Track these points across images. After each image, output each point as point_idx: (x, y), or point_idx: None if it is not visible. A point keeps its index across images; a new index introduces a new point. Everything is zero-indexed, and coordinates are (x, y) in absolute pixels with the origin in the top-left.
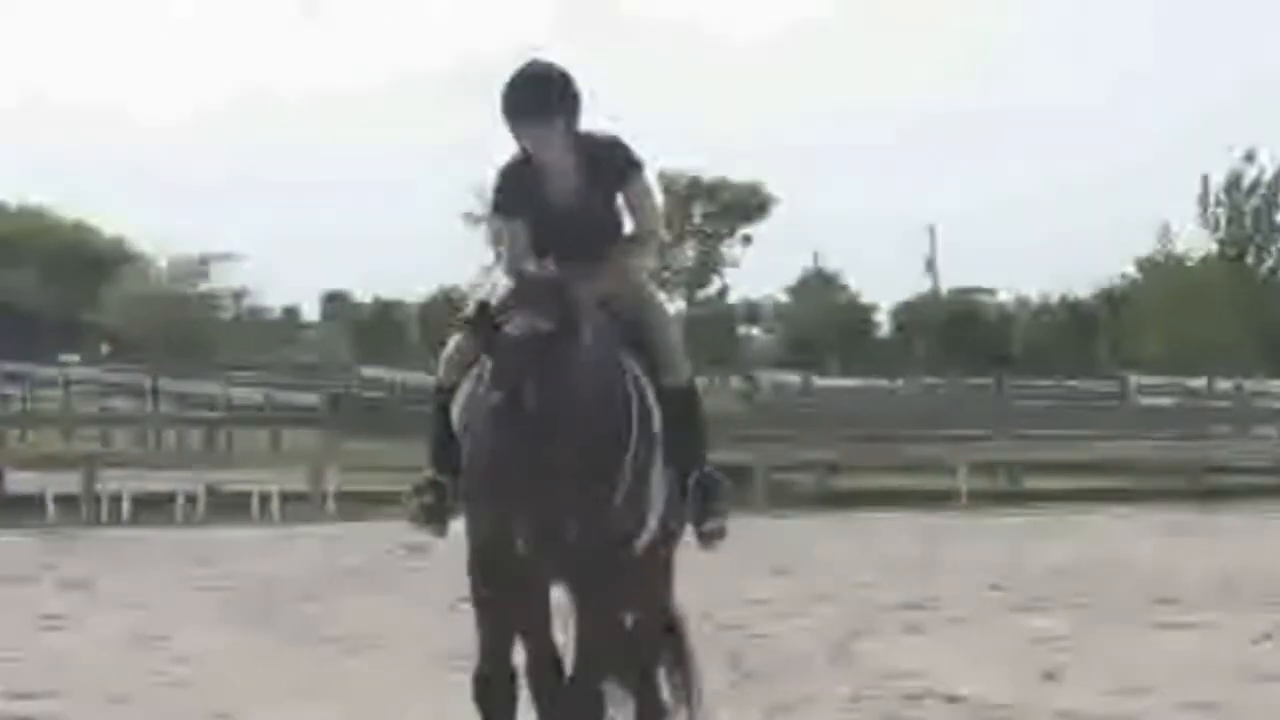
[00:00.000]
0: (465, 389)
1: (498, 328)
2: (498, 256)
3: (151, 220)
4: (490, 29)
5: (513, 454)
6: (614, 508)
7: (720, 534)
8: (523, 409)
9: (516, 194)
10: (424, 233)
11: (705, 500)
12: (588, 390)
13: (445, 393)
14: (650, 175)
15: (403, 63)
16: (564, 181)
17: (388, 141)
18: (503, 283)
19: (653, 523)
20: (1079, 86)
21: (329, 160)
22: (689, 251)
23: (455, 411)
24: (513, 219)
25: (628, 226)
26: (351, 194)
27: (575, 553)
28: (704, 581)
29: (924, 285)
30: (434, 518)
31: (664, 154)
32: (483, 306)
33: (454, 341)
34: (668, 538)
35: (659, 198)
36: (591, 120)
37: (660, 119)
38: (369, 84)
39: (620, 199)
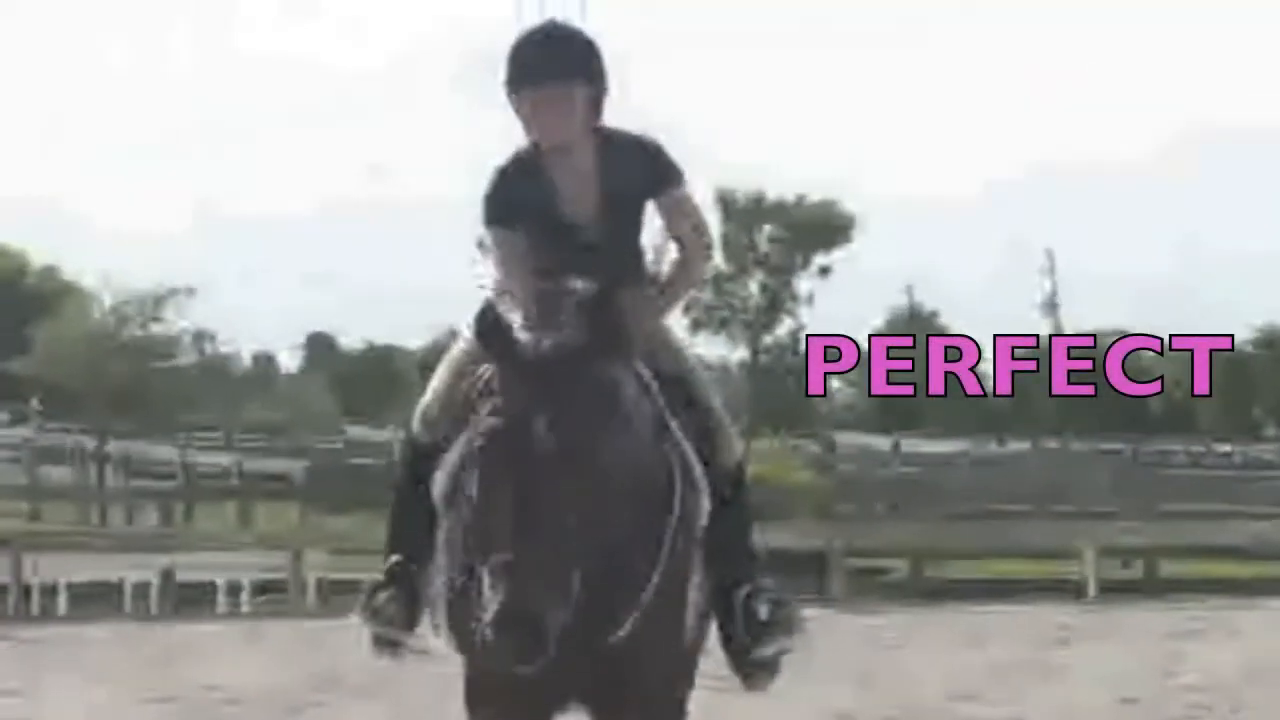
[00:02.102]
0: (454, 452)
1: (513, 341)
2: (489, 282)
3: (92, 248)
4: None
5: (520, 511)
6: (647, 601)
7: (775, 668)
8: (533, 448)
9: (517, 198)
10: (423, 267)
11: (758, 620)
12: (624, 437)
13: (422, 454)
14: (694, 188)
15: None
16: (580, 187)
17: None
18: (516, 302)
19: (690, 622)
20: None
21: (309, 181)
22: (752, 286)
23: (438, 480)
24: (511, 228)
25: (664, 253)
26: (336, 222)
27: (601, 663)
28: (767, 694)
29: (1042, 327)
30: (402, 620)
31: (720, 166)
32: (493, 310)
33: (437, 386)
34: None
35: (704, 213)
36: (619, 119)
37: (713, 122)
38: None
39: (651, 215)
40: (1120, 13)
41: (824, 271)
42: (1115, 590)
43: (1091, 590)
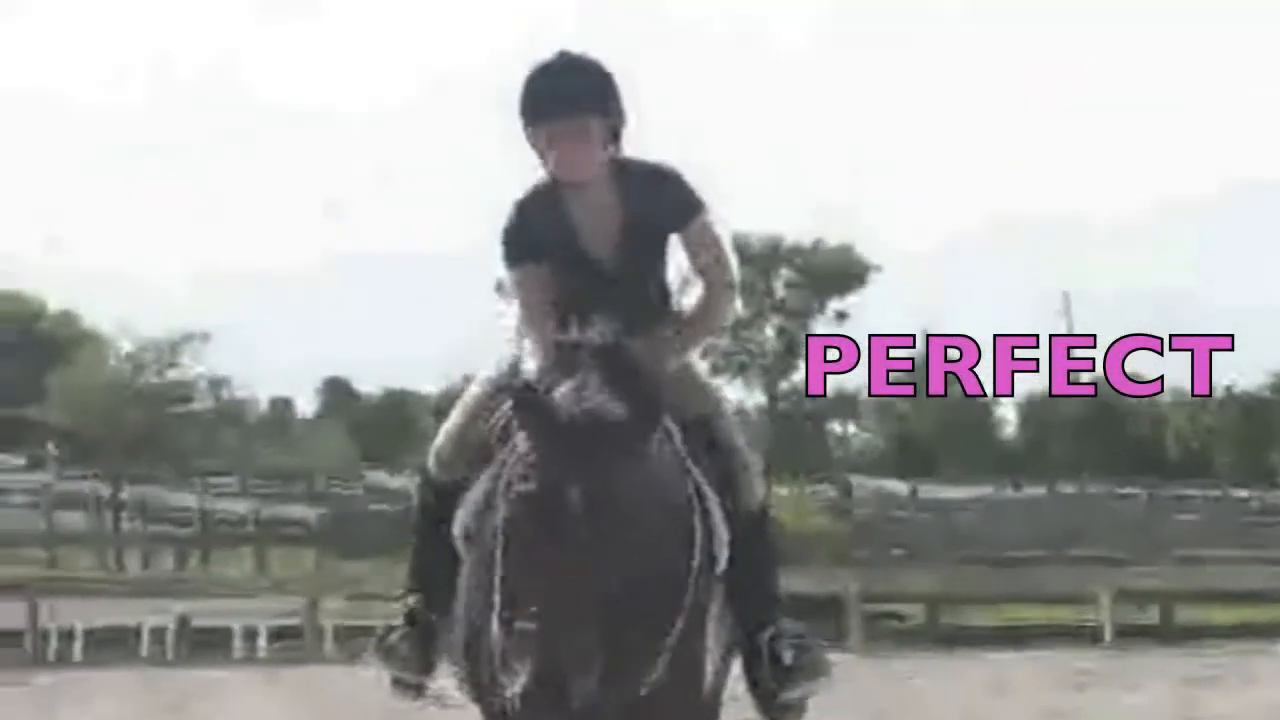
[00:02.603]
0: (478, 490)
1: (545, 406)
2: (512, 324)
3: (109, 292)
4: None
5: (551, 579)
6: (665, 660)
7: (801, 711)
8: (566, 516)
9: (537, 234)
10: (441, 311)
11: (784, 664)
12: (650, 502)
13: (441, 494)
14: (718, 218)
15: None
16: (600, 220)
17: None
18: (536, 347)
19: (709, 670)
20: None
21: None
22: (768, 331)
23: (460, 518)
24: (534, 264)
25: (687, 287)
26: (353, 266)
27: (625, 713)
28: None
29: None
30: (418, 663)
31: (734, 210)
32: (527, 380)
33: (450, 428)
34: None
35: (730, 247)
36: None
37: (727, 161)
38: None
39: (674, 249)
40: (1154, 61)
41: (840, 317)
42: (1132, 635)
43: (1108, 635)
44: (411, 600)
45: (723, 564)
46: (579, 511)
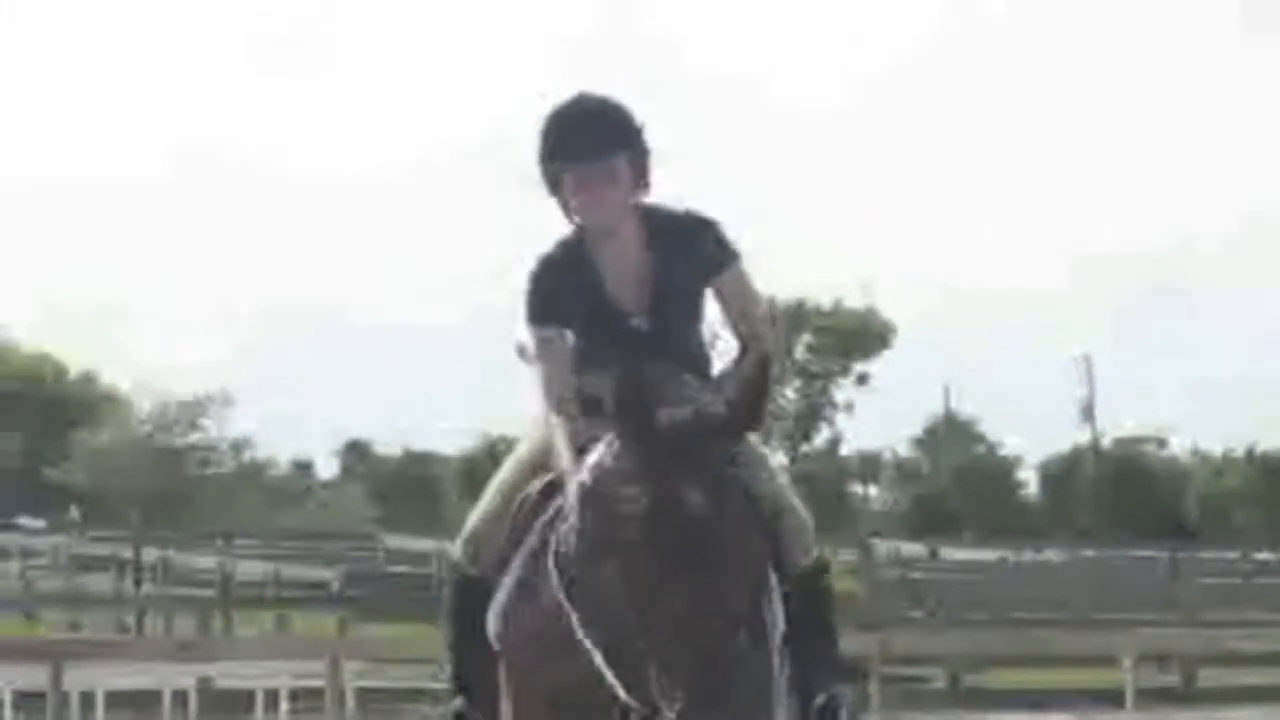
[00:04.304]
0: (503, 593)
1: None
2: (540, 388)
3: (131, 354)
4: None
5: (670, 584)
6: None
7: None
8: (684, 519)
9: (563, 290)
10: (462, 372)
11: None
12: (739, 521)
13: (472, 589)
14: (753, 269)
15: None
16: (630, 273)
17: (417, 263)
18: (555, 419)
19: None
20: None
21: (342, 284)
22: (790, 393)
23: (493, 615)
24: (556, 325)
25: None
26: (373, 328)
27: None
28: None
29: (1080, 435)
30: None
31: (757, 272)
32: (631, 379)
33: (489, 509)
34: None
35: (764, 299)
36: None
37: (749, 224)
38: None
39: (708, 302)
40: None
41: (862, 380)
42: (1154, 698)
43: (1130, 699)
44: (457, 704)
45: (779, 624)
46: (696, 508)
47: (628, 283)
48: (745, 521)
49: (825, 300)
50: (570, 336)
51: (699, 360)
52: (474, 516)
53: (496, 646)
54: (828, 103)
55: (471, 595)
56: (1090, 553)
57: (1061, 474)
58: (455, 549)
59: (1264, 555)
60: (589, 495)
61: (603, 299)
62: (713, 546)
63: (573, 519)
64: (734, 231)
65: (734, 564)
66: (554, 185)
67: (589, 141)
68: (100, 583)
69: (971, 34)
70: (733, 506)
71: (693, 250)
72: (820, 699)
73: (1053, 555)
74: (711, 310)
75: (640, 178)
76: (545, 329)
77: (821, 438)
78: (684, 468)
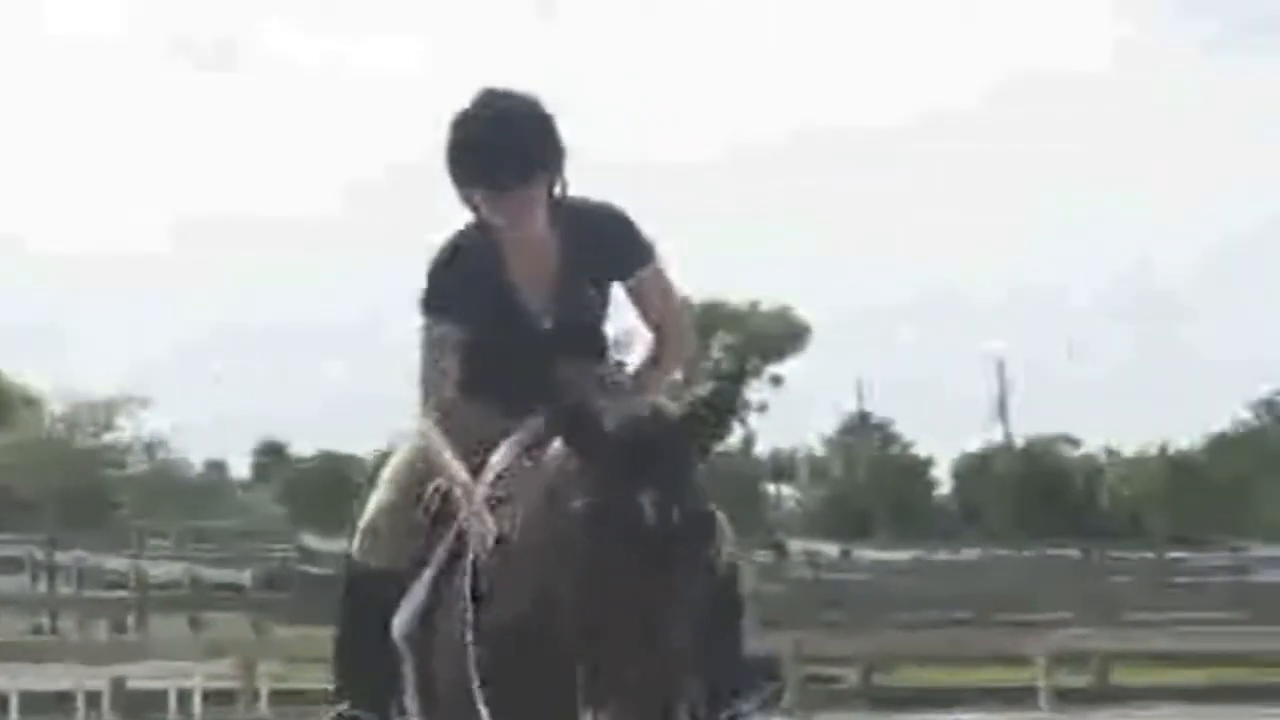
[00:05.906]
0: (421, 590)
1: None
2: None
3: (42, 354)
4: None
5: (630, 590)
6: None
7: None
8: (645, 526)
9: (465, 284)
10: (381, 372)
11: None
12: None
13: (371, 581)
14: (668, 265)
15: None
16: (538, 267)
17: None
18: (429, 411)
19: None
20: None
21: (269, 286)
22: (704, 393)
23: (402, 621)
24: (453, 321)
25: (632, 338)
26: (291, 328)
27: None
28: None
29: (992, 434)
30: None
31: (671, 271)
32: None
33: (384, 500)
34: None
35: (681, 295)
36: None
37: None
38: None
39: (619, 296)
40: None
41: (776, 381)
42: (1068, 698)
43: (1043, 698)
44: (343, 708)
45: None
46: (652, 516)
47: (535, 275)
48: (704, 526)
49: (739, 301)
50: (464, 333)
51: (601, 352)
52: (370, 508)
53: (403, 647)
54: None
55: (369, 588)
56: (1003, 552)
57: (974, 473)
58: (352, 542)
59: (1177, 554)
60: (548, 505)
61: (508, 295)
62: (674, 553)
63: (490, 525)
64: (648, 228)
65: (692, 570)
66: (464, 198)
67: (505, 171)
68: (12, 583)
69: None
70: (692, 511)
71: (604, 246)
72: (724, 715)
73: (967, 554)
74: (621, 308)
75: (556, 180)
76: (440, 324)
77: (735, 438)
78: (641, 473)
